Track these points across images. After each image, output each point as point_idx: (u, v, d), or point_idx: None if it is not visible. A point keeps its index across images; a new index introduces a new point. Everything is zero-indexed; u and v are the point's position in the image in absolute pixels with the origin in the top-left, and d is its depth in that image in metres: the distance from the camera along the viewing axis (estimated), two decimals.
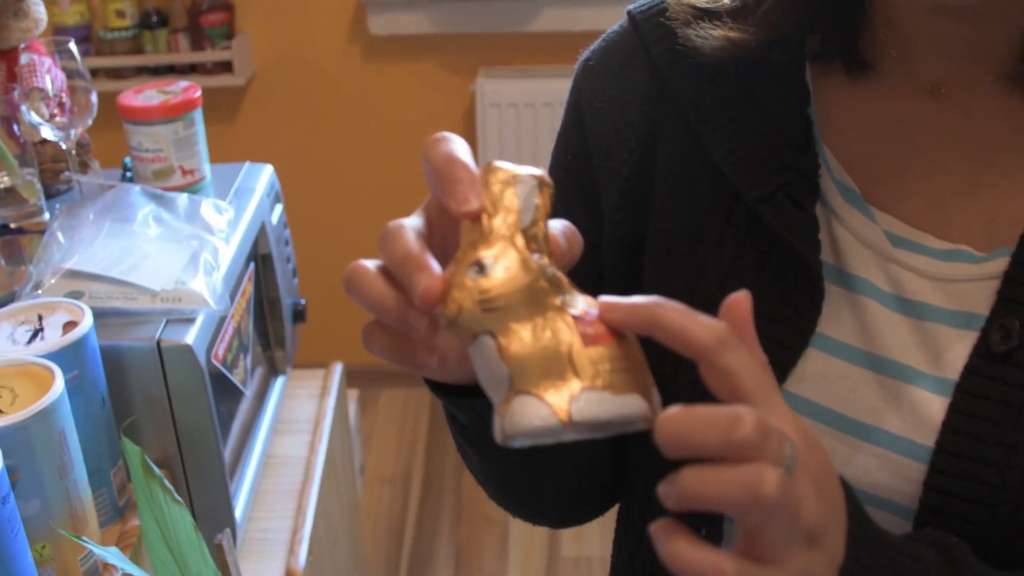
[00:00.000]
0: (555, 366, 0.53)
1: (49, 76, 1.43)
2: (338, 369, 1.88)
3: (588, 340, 0.54)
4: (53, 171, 1.55)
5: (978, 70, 0.73)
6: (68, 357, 1.11)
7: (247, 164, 1.67)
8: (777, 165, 0.75)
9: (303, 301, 1.76)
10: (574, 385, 0.53)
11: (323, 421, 1.73)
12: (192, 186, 1.56)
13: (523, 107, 2.96)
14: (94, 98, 1.45)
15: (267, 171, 1.67)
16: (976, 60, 0.73)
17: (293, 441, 1.68)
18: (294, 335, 1.75)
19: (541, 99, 2.95)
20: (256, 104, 3.10)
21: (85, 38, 2.84)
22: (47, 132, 1.43)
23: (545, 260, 0.56)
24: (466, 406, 0.73)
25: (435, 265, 0.55)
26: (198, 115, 1.56)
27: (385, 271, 0.58)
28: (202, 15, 2.87)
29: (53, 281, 1.28)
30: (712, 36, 0.76)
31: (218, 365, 1.33)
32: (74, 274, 1.29)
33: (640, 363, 0.56)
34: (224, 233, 1.43)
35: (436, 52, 3.05)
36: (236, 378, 1.41)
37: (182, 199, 1.47)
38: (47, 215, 1.48)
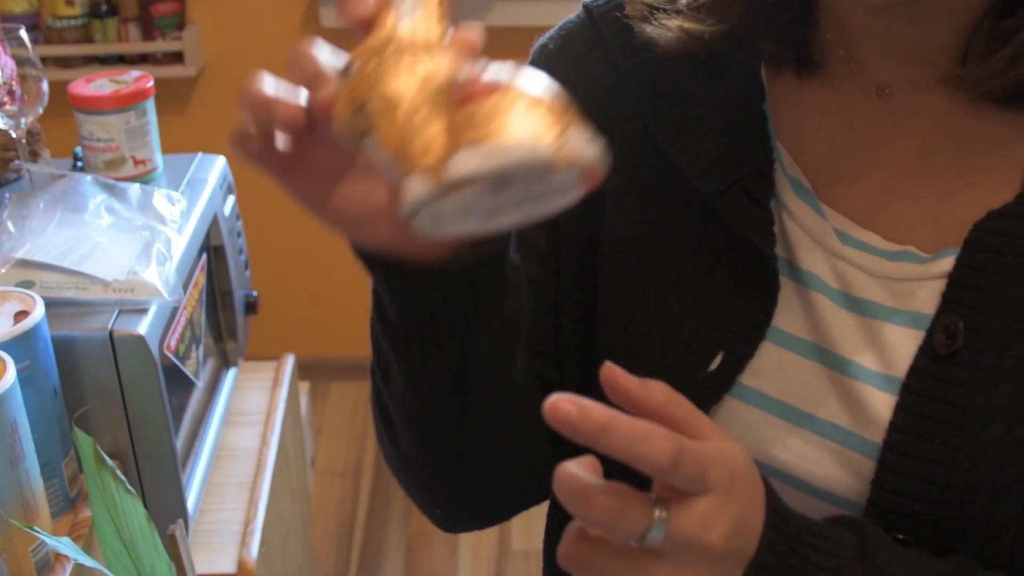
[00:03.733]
0: (430, 141, 0.52)
1: None
2: (290, 361, 1.88)
3: (464, 102, 0.52)
4: (2, 160, 1.53)
5: (921, 72, 0.74)
6: (19, 347, 1.10)
7: (199, 155, 1.66)
8: (733, 160, 0.76)
9: (255, 293, 1.75)
10: (448, 149, 0.52)
11: (275, 413, 1.73)
12: (144, 176, 1.55)
13: None
14: (45, 86, 1.44)
15: (219, 162, 1.66)
16: (919, 63, 0.74)
17: (245, 433, 1.67)
18: (246, 327, 1.74)
19: None
20: (207, 95, 3.08)
21: (33, 26, 2.80)
22: None
23: (431, 54, 0.56)
24: (397, 280, 0.67)
25: (331, 79, 0.58)
26: (150, 105, 1.55)
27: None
28: (153, 5, 2.85)
29: (3, 270, 1.27)
30: (667, 27, 0.77)
31: (170, 356, 1.32)
32: (25, 263, 1.28)
33: (538, 108, 0.52)
34: (177, 224, 1.43)
35: None
36: (188, 369, 1.41)
37: (134, 189, 1.46)
38: None
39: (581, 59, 0.84)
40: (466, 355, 0.70)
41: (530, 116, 0.51)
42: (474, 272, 0.66)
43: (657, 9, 0.79)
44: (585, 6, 0.86)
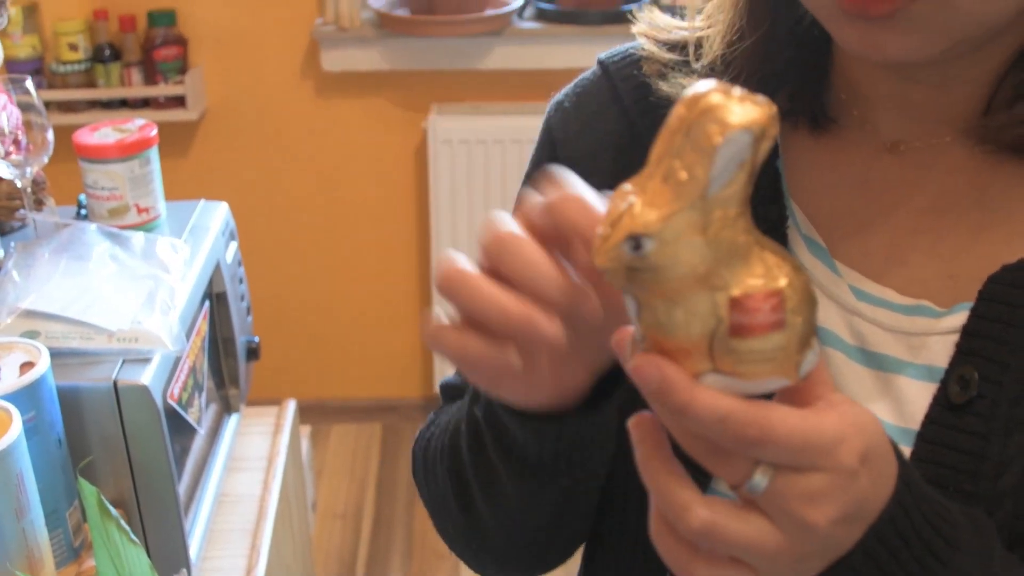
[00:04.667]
0: (690, 345, 0.50)
1: (4, 113, 1.43)
2: (291, 406, 1.88)
3: (739, 330, 0.49)
4: (7, 208, 1.55)
5: (936, 130, 0.75)
6: (25, 398, 1.11)
7: (202, 202, 1.67)
8: None
9: (257, 339, 1.76)
10: (702, 364, 0.50)
11: (277, 458, 1.73)
12: (147, 224, 1.56)
13: (475, 144, 2.98)
14: (50, 135, 1.45)
15: (222, 209, 1.67)
16: (933, 121, 0.75)
17: (247, 479, 1.68)
18: (247, 373, 1.74)
19: (493, 136, 2.98)
20: (209, 139, 3.10)
21: (37, 71, 2.82)
22: (2, 169, 1.43)
23: (729, 229, 0.50)
24: (551, 433, 0.69)
25: (589, 289, 0.57)
26: (154, 153, 1.56)
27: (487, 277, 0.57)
28: (155, 49, 2.87)
29: (9, 321, 1.27)
30: (683, 85, 0.79)
31: (174, 405, 1.33)
32: (30, 314, 1.28)
33: (795, 347, 0.50)
34: (180, 272, 1.44)
35: (389, 89, 3.06)
36: (191, 417, 1.41)
37: (138, 238, 1.47)
38: (1, 253, 1.48)
39: (596, 116, 0.86)
40: (589, 478, 0.75)
41: (785, 355, 0.50)
42: (610, 414, 0.70)
43: (673, 68, 0.80)
44: (601, 62, 0.87)
